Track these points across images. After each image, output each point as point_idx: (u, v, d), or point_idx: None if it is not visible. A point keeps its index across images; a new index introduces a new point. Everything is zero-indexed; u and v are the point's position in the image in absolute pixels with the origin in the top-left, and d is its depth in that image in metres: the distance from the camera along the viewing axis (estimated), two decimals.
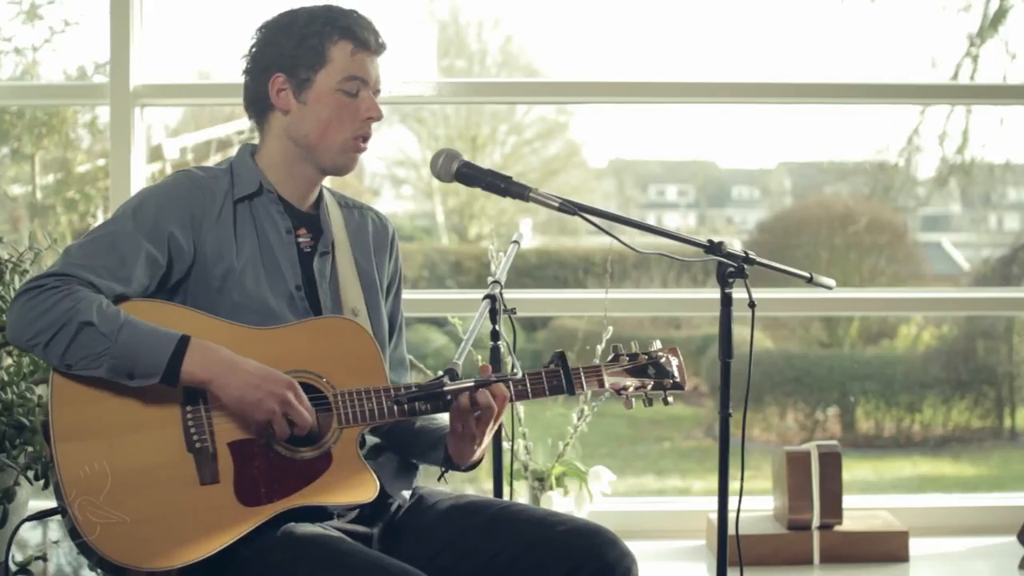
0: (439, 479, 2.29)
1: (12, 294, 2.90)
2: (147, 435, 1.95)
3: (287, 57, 2.12)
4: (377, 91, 2.18)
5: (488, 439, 2.13)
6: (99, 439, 1.93)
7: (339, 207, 2.28)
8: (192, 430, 1.97)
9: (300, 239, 2.18)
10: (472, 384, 2.07)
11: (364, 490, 2.04)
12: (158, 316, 1.98)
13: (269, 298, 2.10)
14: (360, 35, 2.14)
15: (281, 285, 2.13)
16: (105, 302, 1.93)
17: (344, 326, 2.09)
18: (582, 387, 2.18)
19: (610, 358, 2.24)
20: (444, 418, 2.17)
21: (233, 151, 2.18)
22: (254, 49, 2.17)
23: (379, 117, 2.17)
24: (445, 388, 2.04)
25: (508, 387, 2.11)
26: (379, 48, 2.18)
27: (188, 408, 1.97)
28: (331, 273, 2.19)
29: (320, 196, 2.25)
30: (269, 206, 2.16)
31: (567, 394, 2.18)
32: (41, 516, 2.15)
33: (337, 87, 2.12)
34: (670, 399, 2.25)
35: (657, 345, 2.27)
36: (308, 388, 2.01)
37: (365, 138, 2.17)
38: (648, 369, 2.23)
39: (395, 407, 2.05)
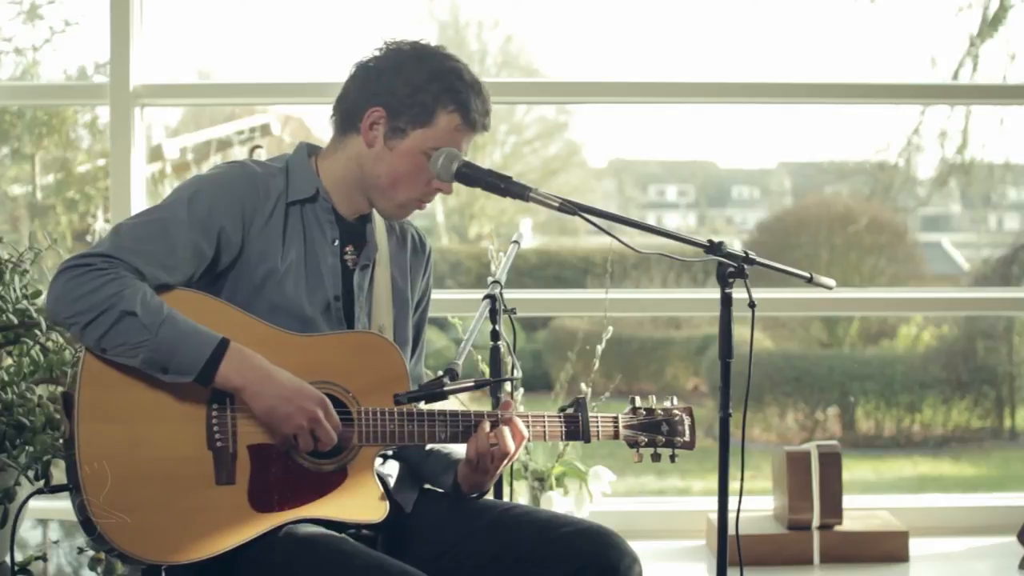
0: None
1: (12, 294, 2.90)
2: (169, 428, 1.94)
3: (395, 99, 2.09)
4: None
5: (500, 472, 2.16)
6: (121, 425, 1.92)
7: (384, 221, 2.27)
8: (215, 429, 1.96)
9: (347, 256, 2.18)
10: (472, 384, 2.08)
11: (374, 510, 2.05)
12: (200, 309, 1.97)
13: (306, 305, 2.09)
14: (472, 115, 2.10)
15: (320, 294, 2.12)
16: (149, 292, 1.92)
17: (377, 343, 2.10)
18: (598, 437, 2.23)
19: (627, 410, 2.28)
20: (457, 446, 2.19)
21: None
22: (370, 64, 2.13)
23: (448, 192, 2.16)
24: (445, 388, 2.05)
25: (527, 427, 2.15)
26: (482, 130, 2.15)
27: (214, 407, 1.97)
28: (369, 287, 2.19)
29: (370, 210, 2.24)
30: (321, 214, 2.15)
31: (582, 441, 2.22)
32: (52, 491, 2.13)
33: (426, 151, 2.10)
34: (677, 457, 2.30)
35: (674, 402, 2.31)
36: (333, 401, 2.01)
37: (427, 202, 2.18)
38: (662, 426, 2.27)
39: (415, 433, 2.06)
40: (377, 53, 2.13)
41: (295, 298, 2.08)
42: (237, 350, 1.92)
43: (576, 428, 2.19)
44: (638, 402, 2.28)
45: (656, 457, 2.27)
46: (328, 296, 2.12)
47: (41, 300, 2.81)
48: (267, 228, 2.08)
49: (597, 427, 2.21)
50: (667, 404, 2.29)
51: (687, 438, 2.29)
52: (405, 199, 2.14)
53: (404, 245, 2.29)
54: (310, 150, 2.20)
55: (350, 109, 2.13)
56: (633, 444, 2.25)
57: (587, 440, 2.22)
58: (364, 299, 2.18)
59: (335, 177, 2.16)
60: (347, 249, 2.17)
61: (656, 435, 2.26)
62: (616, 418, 2.24)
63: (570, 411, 2.20)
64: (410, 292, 2.28)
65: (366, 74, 2.13)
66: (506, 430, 2.09)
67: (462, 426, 2.09)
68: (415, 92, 2.07)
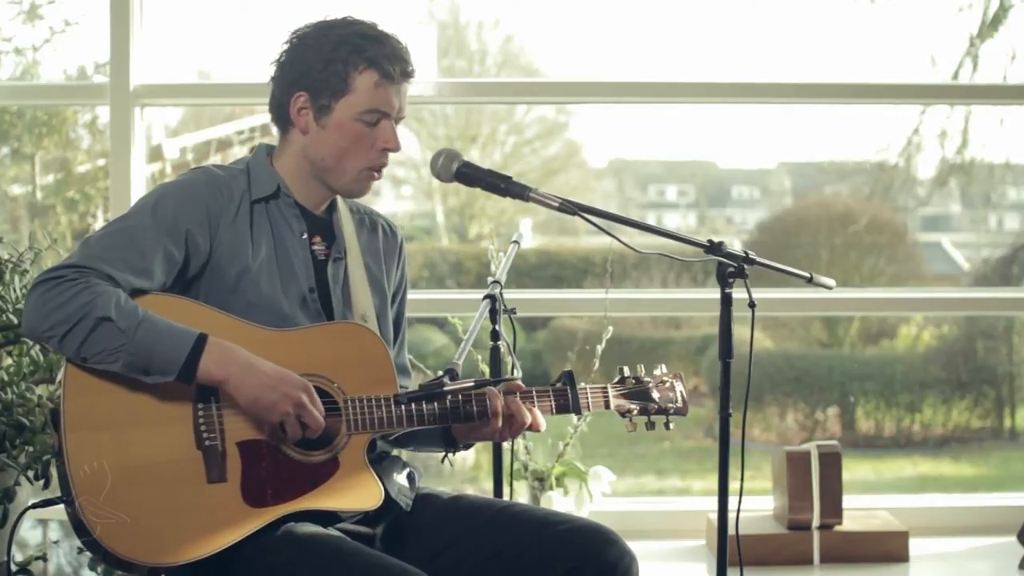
0: (443, 461, 2.30)
1: (12, 294, 2.90)
2: (157, 431, 1.95)
3: (311, 79, 2.10)
4: (400, 118, 2.16)
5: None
6: (108, 432, 1.93)
7: (351, 212, 2.28)
8: (203, 428, 1.96)
9: (315, 247, 2.18)
10: (472, 384, 2.08)
11: (369, 497, 2.05)
12: (178, 312, 1.97)
13: (282, 300, 2.10)
14: (385, 67, 2.10)
15: (294, 288, 2.13)
16: (123, 297, 1.92)
17: (357, 332, 2.10)
18: (588, 408, 2.21)
19: (616, 379, 2.26)
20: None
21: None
22: (282, 59, 2.15)
23: (396, 149, 2.15)
24: (445, 388, 2.05)
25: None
26: (404, 78, 2.14)
27: (200, 406, 1.97)
28: (343, 278, 2.20)
29: (333, 202, 2.25)
30: (285, 209, 2.16)
31: (573, 414, 2.20)
32: (46, 504, 2.14)
33: (357, 117, 2.11)
34: (672, 424, 2.27)
35: (663, 369, 2.29)
36: (319, 392, 2.01)
37: (380, 168, 2.17)
38: (652, 393, 2.25)
39: (404, 417, 2.06)
40: (285, 46, 2.15)
41: (271, 294, 2.09)
42: (216, 344, 1.93)
43: (566, 402, 2.17)
44: (627, 371, 2.26)
45: (650, 425, 2.25)
46: (302, 289, 2.13)
47: None
48: (234, 228, 2.09)
49: (587, 398, 2.20)
50: (656, 371, 2.28)
51: (679, 404, 2.26)
52: (356, 172, 2.14)
53: (375, 235, 2.30)
54: (268, 150, 2.21)
55: (279, 105, 2.16)
56: (625, 413, 2.23)
57: (578, 413, 2.20)
58: (340, 291, 2.18)
59: (290, 172, 2.17)
60: (315, 239, 2.18)
61: (648, 403, 2.24)
62: (605, 388, 2.22)
63: (559, 385, 2.19)
64: (386, 281, 2.28)
65: (281, 68, 2.15)
66: (520, 403, 2.11)
67: (450, 407, 2.09)
68: (326, 65, 2.09)
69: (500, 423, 2.11)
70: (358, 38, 2.11)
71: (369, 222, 2.31)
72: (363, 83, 2.10)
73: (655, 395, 2.24)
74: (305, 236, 2.17)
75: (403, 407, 2.06)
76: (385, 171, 2.21)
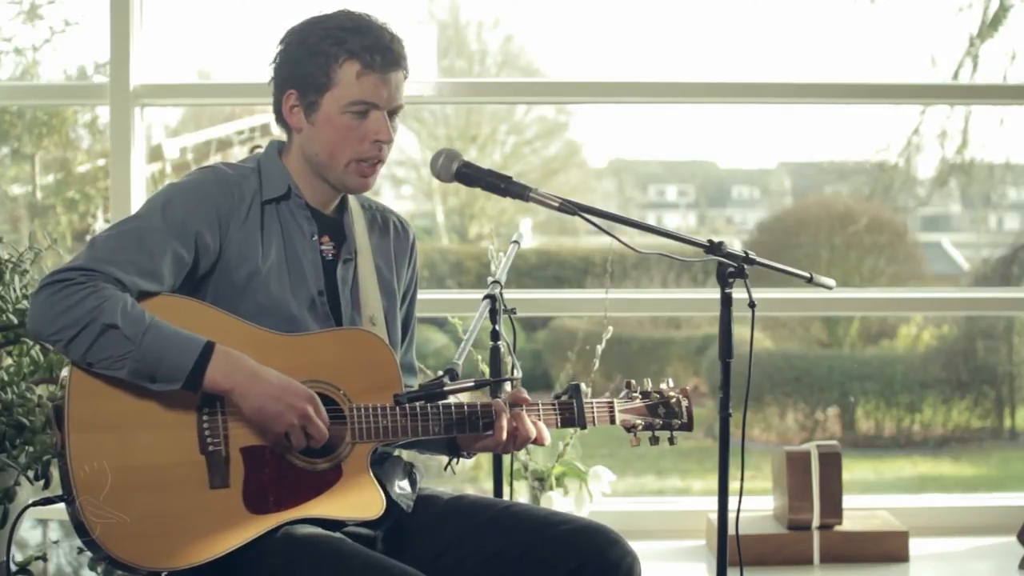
0: (446, 468, 2.30)
1: (12, 294, 2.90)
2: (161, 434, 1.94)
3: (299, 75, 2.09)
4: (394, 108, 2.13)
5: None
6: (113, 434, 1.92)
7: (362, 210, 2.26)
8: (207, 433, 1.96)
9: (323, 247, 2.17)
10: (472, 384, 2.07)
11: (370, 506, 2.04)
12: (185, 314, 1.97)
13: (291, 303, 2.09)
14: (365, 56, 2.07)
15: (304, 290, 2.12)
16: (130, 302, 1.91)
17: (366, 339, 2.09)
18: (594, 423, 2.21)
19: (622, 394, 2.26)
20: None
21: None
22: (276, 59, 2.14)
23: (387, 140, 2.11)
24: (445, 388, 2.05)
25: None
26: (388, 66, 2.09)
27: (205, 411, 1.96)
28: (353, 280, 2.18)
29: (344, 201, 2.23)
30: (296, 210, 2.15)
31: (578, 427, 2.20)
32: (46, 502, 2.14)
33: (344, 110, 2.08)
34: (675, 440, 2.27)
35: (669, 384, 2.29)
36: (325, 399, 2.00)
37: (374, 161, 2.13)
38: (658, 408, 2.25)
39: (409, 428, 2.06)
40: (280, 46, 2.14)
41: (280, 297, 2.08)
42: (223, 352, 1.92)
43: (572, 415, 2.18)
44: (633, 385, 2.26)
45: (654, 440, 2.25)
46: (312, 292, 2.12)
47: None
48: (244, 229, 2.08)
49: (593, 413, 2.20)
50: (663, 386, 2.28)
51: (684, 419, 2.26)
52: (349, 165, 2.11)
53: (387, 233, 2.28)
54: (279, 147, 2.20)
55: (276, 106, 2.15)
56: (630, 428, 2.23)
57: (583, 427, 2.20)
58: (349, 293, 2.17)
59: (296, 172, 2.16)
60: (322, 240, 2.17)
61: (653, 418, 2.24)
62: (611, 403, 2.23)
63: (565, 398, 2.19)
64: (396, 283, 2.27)
65: (274, 71, 2.14)
66: (524, 415, 2.10)
67: (455, 418, 2.08)
68: (310, 60, 2.08)
69: (504, 436, 2.10)
70: (339, 30, 2.08)
71: (381, 219, 2.29)
72: (347, 75, 2.07)
73: (661, 411, 2.25)
74: (315, 238, 2.16)
75: (408, 416, 2.05)
76: (385, 171, 2.19)
